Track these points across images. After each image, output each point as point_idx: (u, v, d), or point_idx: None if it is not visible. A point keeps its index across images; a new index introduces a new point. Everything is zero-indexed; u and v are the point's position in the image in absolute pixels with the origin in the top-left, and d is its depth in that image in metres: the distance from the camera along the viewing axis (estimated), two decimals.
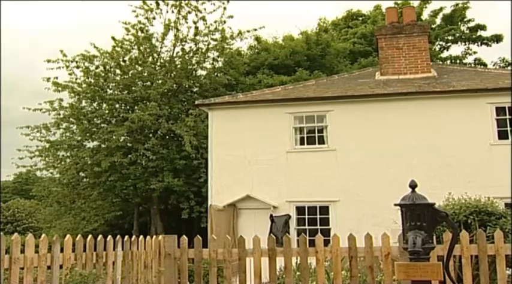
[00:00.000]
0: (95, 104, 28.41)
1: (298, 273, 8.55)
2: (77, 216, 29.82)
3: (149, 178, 26.70)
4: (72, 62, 27.70)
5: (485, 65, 36.87)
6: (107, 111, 28.04)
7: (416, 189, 4.68)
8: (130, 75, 28.18)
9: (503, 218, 9.18)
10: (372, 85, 19.28)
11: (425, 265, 4.34)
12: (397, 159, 17.27)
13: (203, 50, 29.01)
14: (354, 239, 7.80)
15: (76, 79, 27.92)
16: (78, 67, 27.86)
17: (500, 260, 7.47)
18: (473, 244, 7.59)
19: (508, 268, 7.94)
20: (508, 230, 8.48)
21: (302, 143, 18.74)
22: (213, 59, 29.94)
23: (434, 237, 7.36)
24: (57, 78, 27.47)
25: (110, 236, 7.64)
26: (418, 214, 4.46)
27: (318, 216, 17.83)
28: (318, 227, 17.14)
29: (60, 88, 27.40)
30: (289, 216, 17.76)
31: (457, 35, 39.74)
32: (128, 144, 27.50)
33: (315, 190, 17.77)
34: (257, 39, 35.40)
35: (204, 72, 29.95)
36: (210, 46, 29.04)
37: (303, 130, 18.86)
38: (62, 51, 27.52)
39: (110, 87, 28.49)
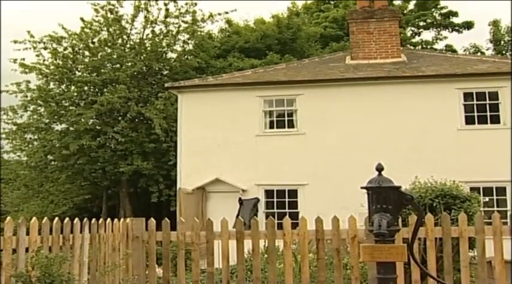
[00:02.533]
0: (63, 86, 28.07)
1: (265, 255, 8.58)
2: (45, 200, 29.59)
3: (118, 161, 26.55)
4: (39, 43, 27.29)
5: (455, 51, 37.21)
6: (75, 94, 27.75)
7: (383, 172, 4.71)
8: (99, 57, 27.89)
9: (468, 202, 9.32)
10: (342, 69, 19.34)
11: (390, 247, 4.37)
12: (365, 143, 17.40)
13: (173, 33, 28.81)
14: (321, 222, 7.85)
15: (44, 61, 27.54)
16: (46, 48, 27.46)
17: (464, 243, 7.59)
18: (438, 227, 7.70)
19: (470, 250, 8.09)
20: (472, 213, 8.61)
21: (272, 127, 18.77)
22: (184, 42, 29.76)
23: (400, 220, 7.48)
24: (24, 59, 27.08)
25: (77, 219, 7.58)
26: (384, 197, 4.48)
27: (287, 199, 17.93)
28: (287, 210, 17.23)
29: (27, 70, 27.00)
30: (258, 199, 17.82)
31: (429, 20, 40.00)
32: (97, 127, 27.29)
33: (284, 173, 17.84)
34: (228, 22, 35.20)
35: (174, 55, 29.78)
36: (181, 29, 28.84)
37: (272, 113, 18.88)
38: (29, 32, 27.12)
39: (79, 69, 28.17)
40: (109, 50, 28.20)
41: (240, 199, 17.79)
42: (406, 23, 37.48)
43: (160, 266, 8.79)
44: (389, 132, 17.52)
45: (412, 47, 34.55)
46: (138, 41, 28.77)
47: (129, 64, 27.75)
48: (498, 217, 7.60)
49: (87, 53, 28.12)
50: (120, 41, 28.58)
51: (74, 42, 27.83)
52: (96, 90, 27.92)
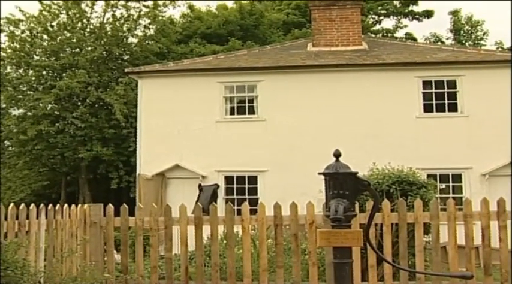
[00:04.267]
0: (20, 70, 27.58)
1: (224, 241, 8.61)
2: (2, 186, 29.06)
3: (77, 147, 26.26)
4: None
5: (415, 39, 37.59)
6: (33, 78, 27.28)
7: (340, 158, 4.74)
8: (58, 41, 27.45)
9: (424, 188, 9.47)
10: (304, 56, 19.37)
11: (346, 232, 4.40)
12: (325, 130, 17.48)
13: (134, 17, 28.51)
14: (279, 208, 7.89)
15: (0, 44, 26.99)
16: (2, 31, 26.87)
17: (419, 228, 7.73)
18: (394, 213, 7.82)
19: (425, 236, 8.23)
20: (428, 199, 8.75)
21: (232, 113, 18.72)
22: (145, 27, 29.50)
23: (358, 206, 7.58)
24: None
25: (33, 204, 7.47)
26: (341, 183, 4.51)
27: (247, 186, 17.95)
28: (247, 196, 17.25)
29: None
30: (217, 186, 17.79)
31: (390, 9, 40.31)
32: (56, 112, 26.93)
33: (244, 160, 17.83)
34: (190, 7, 34.96)
35: (135, 40, 29.49)
36: (142, 13, 28.56)
37: (233, 100, 18.83)
38: None
39: (37, 53, 27.67)
40: (68, 34, 27.77)
41: (199, 185, 17.74)
42: (367, 10, 37.65)
43: (119, 252, 8.74)
44: (349, 119, 17.64)
45: (373, 35, 34.77)
46: (98, 25, 28.40)
47: (89, 48, 27.39)
48: (453, 203, 7.75)
49: (45, 36, 27.66)
50: (79, 24, 28.16)
51: (31, 25, 27.36)
52: (55, 74, 27.50)
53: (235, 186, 18.01)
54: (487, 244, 7.68)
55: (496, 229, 7.69)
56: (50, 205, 7.82)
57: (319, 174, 4.72)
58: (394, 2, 40.30)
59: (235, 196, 17.54)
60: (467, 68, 17.74)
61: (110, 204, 8.44)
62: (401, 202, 7.89)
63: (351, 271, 4.46)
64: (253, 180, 17.93)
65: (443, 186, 17.10)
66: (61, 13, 27.80)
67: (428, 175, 14.26)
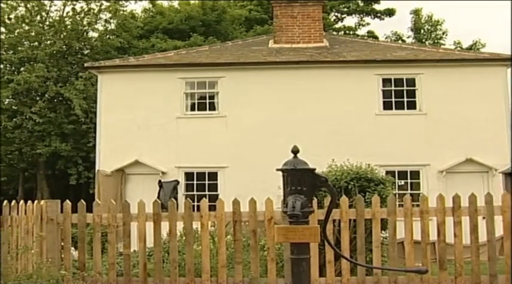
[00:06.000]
0: None
1: (184, 238, 8.58)
2: None
3: (35, 142, 25.88)
4: None
5: (376, 37, 37.96)
6: None
7: (300, 155, 4.76)
8: (16, 34, 26.97)
9: (382, 185, 9.59)
10: (265, 53, 19.38)
11: (303, 228, 4.41)
12: (286, 126, 17.51)
13: (95, 11, 28.13)
14: (238, 204, 7.90)
15: None
16: None
17: (376, 224, 7.83)
18: (352, 209, 7.90)
19: (382, 231, 8.34)
20: (385, 196, 8.86)
21: (193, 109, 18.64)
22: (106, 21, 29.15)
23: (316, 202, 7.63)
24: None
25: None
26: (299, 179, 4.51)
27: (207, 182, 17.89)
28: (207, 193, 17.19)
29: None
30: (177, 182, 17.71)
31: (352, 7, 40.62)
32: (13, 107, 26.52)
33: (204, 156, 17.77)
34: (152, 2, 34.70)
35: (95, 34, 29.14)
36: (103, 7, 28.22)
37: (194, 96, 18.76)
38: None
39: None
40: (27, 27, 27.29)
41: (159, 181, 17.63)
42: (330, 8, 37.89)
43: (77, 249, 8.64)
44: (310, 116, 17.71)
45: (335, 33, 35.01)
46: (57, 18, 27.98)
47: (48, 42, 26.98)
48: (409, 200, 7.87)
49: (3, 29, 27.13)
50: (38, 17, 27.72)
51: None
52: (13, 68, 27.07)
53: (195, 182, 17.94)
54: (443, 239, 7.81)
55: (452, 224, 7.84)
56: (5, 202, 7.69)
57: (277, 170, 4.73)
58: (357, 0, 40.63)
59: (195, 193, 17.47)
60: (426, 66, 17.99)
61: (68, 200, 8.34)
62: (359, 198, 7.98)
63: (308, 266, 4.48)
64: (213, 176, 17.88)
65: (402, 182, 17.33)
66: (19, 6, 27.34)
67: (387, 172, 14.38)
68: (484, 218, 7.91)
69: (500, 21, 59.98)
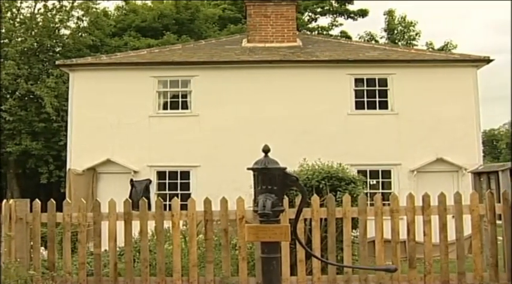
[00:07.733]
0: None
1: (155, 237, 8.54)
2: None
3: (5, 141, 25.58)
4: None
5: (350, 37, 38.16)
6: None
7: (271, 154, 4.76)
8: None
9: (353, 184, 9.65)
10: (238, 52, 19.37)
11: (274, 227, 4.42)
12: (258, 126, 17.51)
13: (67, 8, 27.86)
14: (209, 203, 7.90)
15: None
16: None
17: (347, 223, 7.88)
18: (323, 208, 7.94)
19: (353, 230, 8.39)
20: (356, 195, 8.91)
21: (165, 108, 18.57)
22: (78, 18, 28.88)
23: (287, 201, 7.65)
24: None
25: None
26: (270, 178, 4.51)
27: (179, 181, 17.83)
28: (179, 192, 17.13)
29: None
30: (150, 181, 17.63)
31: (326, 7, 40.78)
32: None
33: (176, 155, 17.71)
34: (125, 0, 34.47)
35: (67, 32, 28.86)
36: (75, 4, 27.96)
37: (167, 94, 18.69)
38: None
39: None
40: None
41: (131, 180, 17.54)
42: (303, 8, 37.99)
43: (47, 249, 8.55)
44: (282, 115, 17.74)
45: (308, 32, 35.10)
46: (29, 15, 27.64)
47: (19, 39, 26.69)
48: (380, 199, 7.93)
49: None
50: (9, 14, 27.36)
51: None
52: None
53: (167, 181, 17.87)
54: (412, 238, 7.90)
55: (421, 223, 7.93)
56: None
57: (248, 169, 4.73)
58: (331, 0, 40.81)
59: (167, 192, 17.39)
60: (398, 67, 18.15)
61: (37, 199, 8.25)
62: (330, 197, 8.02)
63: (279, 265, 4.49)
64: (185, 175, 17.83)
65: (374, 181, 17.46)
66: None
67: (359, 171, 14.51)
68: (453, 217, 8.02)
69: (471, 23, 60.84)
